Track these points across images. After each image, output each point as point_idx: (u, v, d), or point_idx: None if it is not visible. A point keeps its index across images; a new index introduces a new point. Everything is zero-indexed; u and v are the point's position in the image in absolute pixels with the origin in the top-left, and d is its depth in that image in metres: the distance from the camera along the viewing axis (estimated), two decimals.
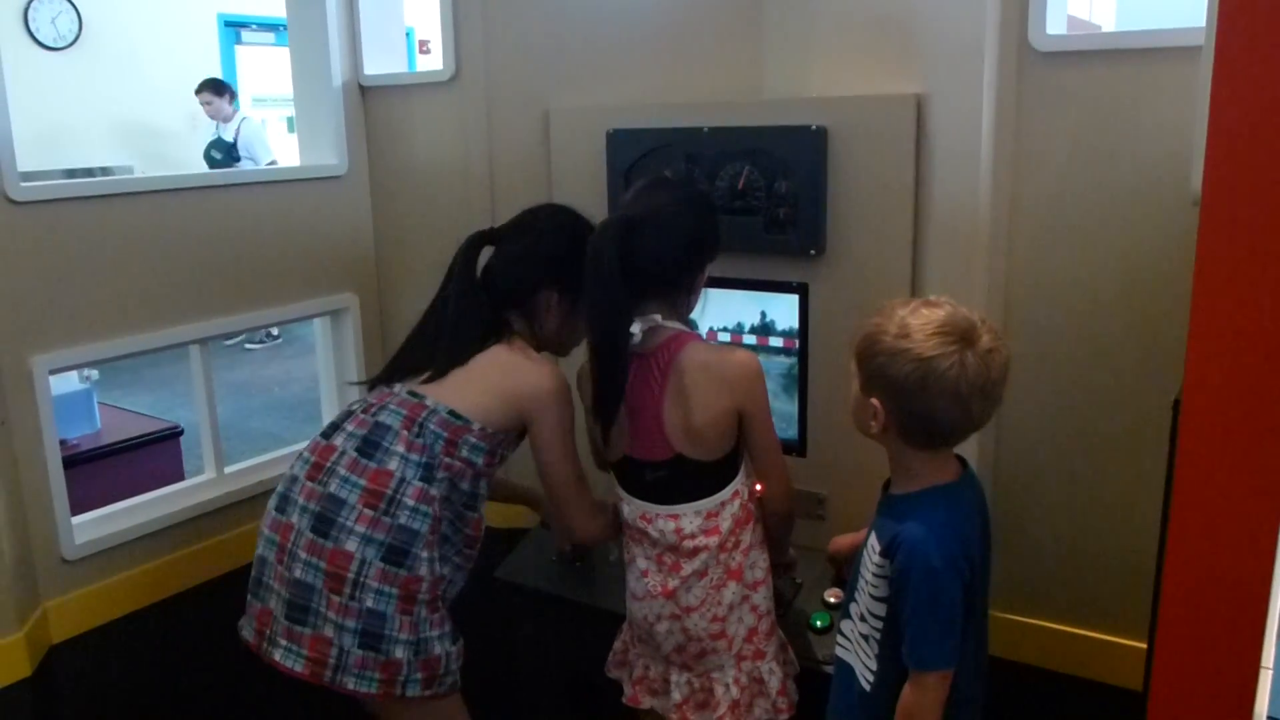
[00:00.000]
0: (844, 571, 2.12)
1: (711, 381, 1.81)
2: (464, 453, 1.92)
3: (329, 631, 1.83)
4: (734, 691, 1.89)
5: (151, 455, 3.66)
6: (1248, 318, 0.96)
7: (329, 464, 1.90)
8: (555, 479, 1.99)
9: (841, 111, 2.08)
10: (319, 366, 2.86)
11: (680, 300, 1.90)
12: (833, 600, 2.10)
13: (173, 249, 2.34)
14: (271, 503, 1.96)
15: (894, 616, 1.63)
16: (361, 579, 1.82)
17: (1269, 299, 0.95)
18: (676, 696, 1.95)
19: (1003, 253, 1.97)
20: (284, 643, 1.86)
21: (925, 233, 2.05)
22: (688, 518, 1.86)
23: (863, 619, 1.71)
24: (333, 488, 1.87)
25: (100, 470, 3.45)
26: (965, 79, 1.92)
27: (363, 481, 1.86)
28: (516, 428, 1.99)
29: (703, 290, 1.95)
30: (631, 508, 1.92)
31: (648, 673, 2.02)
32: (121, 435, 3.66)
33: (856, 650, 1.75)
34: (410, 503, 1.86)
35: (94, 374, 3.72)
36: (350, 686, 1.84)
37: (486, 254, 2.08)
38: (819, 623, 2.05)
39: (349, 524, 1.84)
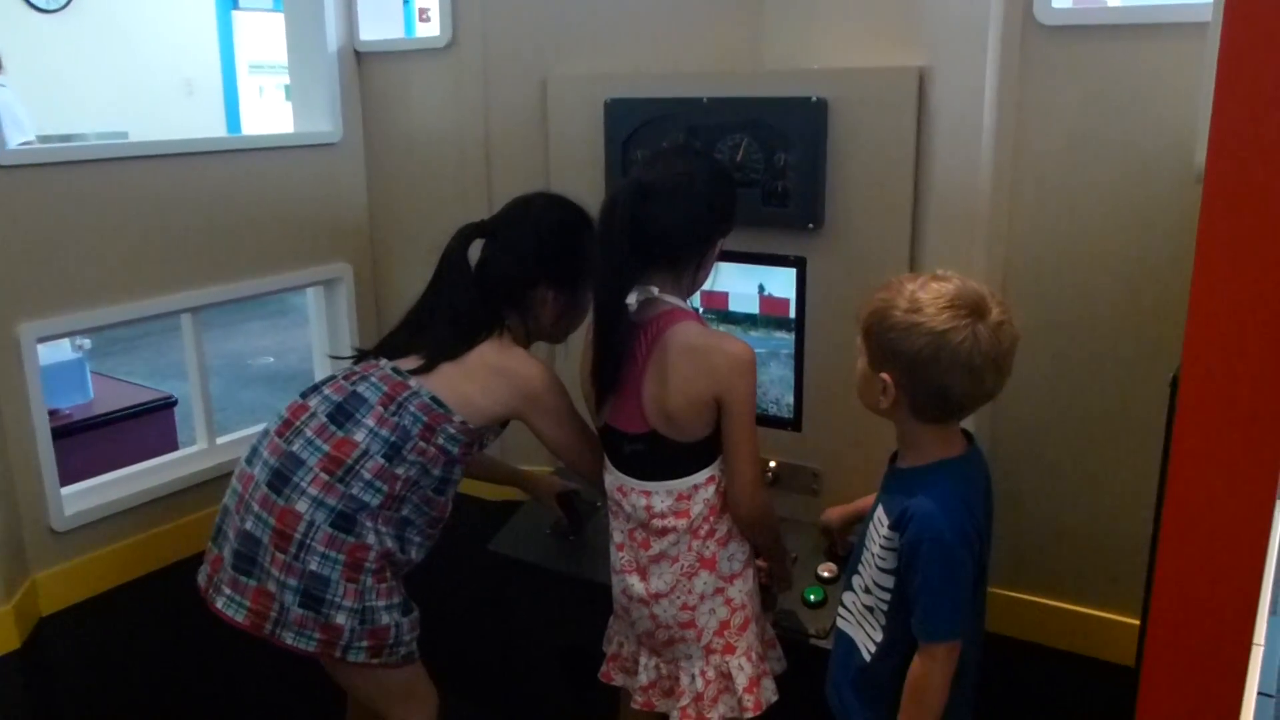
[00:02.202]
0: (836, 544, 2.12)
1: (694, 365, 1.77)
2: (440, 440, 1.93)
3: (271, 586, 1.86)
4: (699, 684, 1.87)
5: (145, 426, 3.65)
6: (1248, 296, 0.95)
7: (298, 423, 1.92)
8: (570, 458, 2.03)
9: (842, 83, 2.06)
10: (312, 337, 2.85)
11: (686, 274, 1.86)
12: (826, 574, 2.10)
13: (164, 216, 2.32)
14: (245, 453, 1.99)
15: (902, 589, 1.64)
16: (308, 541, 1.85)
17: (1270, 278, 0.94)
18: (643, 679, 1.95)
19: (1003, 228, 1.96)
20: (228, 591, 1.90)
21: (925, 207, 2.03)
22: (659, 496, 1.84)
23: (867, 591, 1.72)
24: (295, 447, 1.89)
25: (93, 441, 3.44)
26: (968, 52, 1.90)
27: (326, 447, 1.88)
28: (500, 423, 2.00)
29: (714, 267, 1.91)
30: (611, 478, 1.92)
31: (621, 650, 2.02)
32: (114, 405, 3.64)
33: (859, 622, 1.75)
34: (367, 476, 1.88)
35: (86, 343, 3.70)
36: (289, 642, 1.87)
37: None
38: (812, 597, 2.05)
39: (303, 485, 1.86)
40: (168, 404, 3.74)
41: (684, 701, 1.88)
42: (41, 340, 2.14)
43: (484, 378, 1.94)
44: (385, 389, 1.92)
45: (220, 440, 2.56)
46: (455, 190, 2.55)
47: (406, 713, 2.07)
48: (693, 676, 1.88)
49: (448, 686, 2.26)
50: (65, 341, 3.51)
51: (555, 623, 2.42)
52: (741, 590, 1.88)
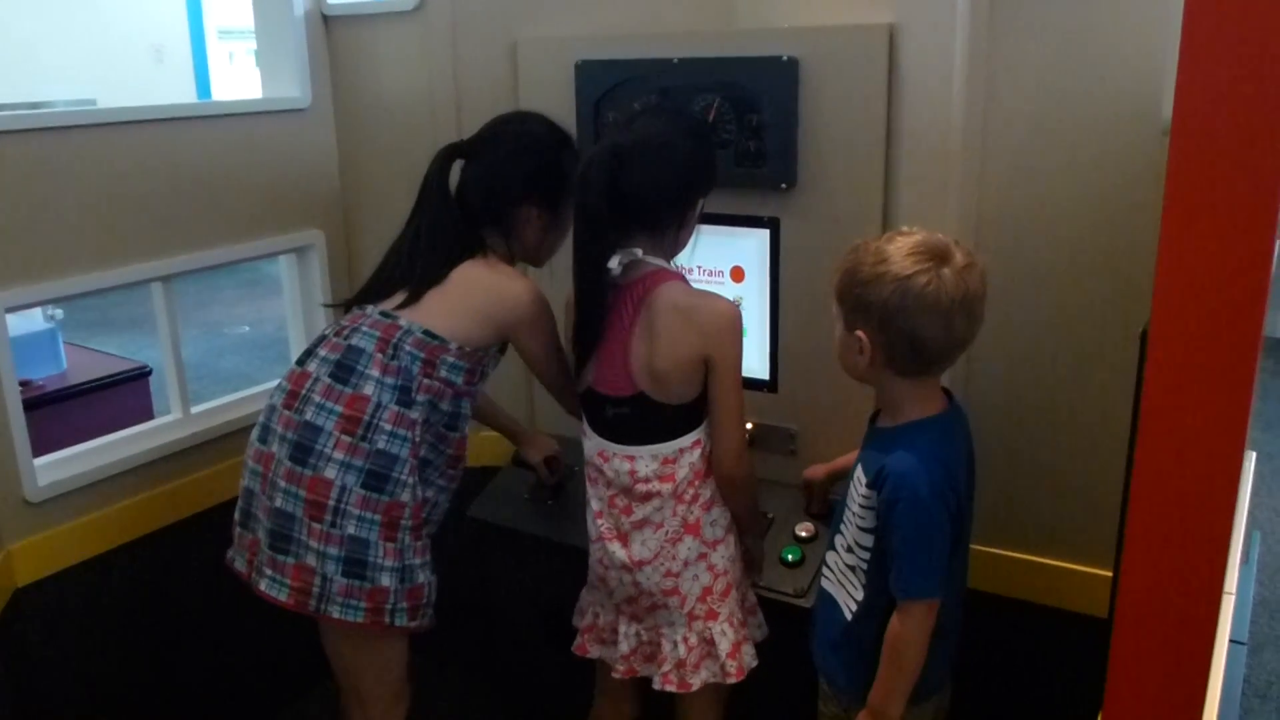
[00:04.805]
0: (815, 501, 2.14)
1: (681, 325, 1.77)
2: (443, 372, 1.91)
3: (311, 560, 1.83)
4: (681, 650, 1.87)
5: (120, 396, 3.63)
6: (1216, 248, 0.96)
7: (304, 391, 1.89)
8: (546, 379, 2.04)
9: (813, 42, 2.05)
10: (286, 304, 2.82)
11: (668, 235, 1.84)
12: (804, 534, 2.11)
13: (133, 183, 2.30)
14: (254, 433, 1.96)
15: (881, 548, 1.65)
16: (342, 506, 1.83)
17: (1237, 230, 0.94)
18: (624, 648, 1.94)
19: (974, 184, 1.96)
20: (269, 572, 1.87)
21: (897, 164, 2.03)
22: (643, 460, 1.83)
23: (849, 550, 1.73)
24: (309, 415, 1.86)
25: (67, 411, 3.42)
26: (938, 8, 1.89)
27: (339, 408, 1.85)
28: (496, 343, 1.99)
29: (696, 227, 1.90)
30: (590, 443, 1.91)
31: (597, 621, 2.01)
32: (88, 375, 3.62)
33: (841, 582, 1.76)
34: (387, 427, 1.86)
35: (58, 313, 3.67)
36: (336, 615, 1.84)
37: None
38: (790, 556, 2.06)
39: (327, 451, 1.83)
40: (142, 374, 3.72)
41: (666, 667, 1.88)
42: (10, 310, 2.12)
43: (473, 297, 1.93)
44: (379, 334, 1.89)
45: (195, 410, 2.54)
46: (427, 155, 2.50)
47: (394, 701, 2.07)
48: (675, 643, 1.88)
49: (428, 652, 2.28)
50: (37, 311, 3.48)
51: (535, 586, 2.43)
52: (724, 556, 1.88)
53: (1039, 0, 1.84)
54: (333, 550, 1.83)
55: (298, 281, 2.76)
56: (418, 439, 1.89)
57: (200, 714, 2.60)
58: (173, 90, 8.63)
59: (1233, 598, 1.61)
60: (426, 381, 1.89)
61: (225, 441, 2.53)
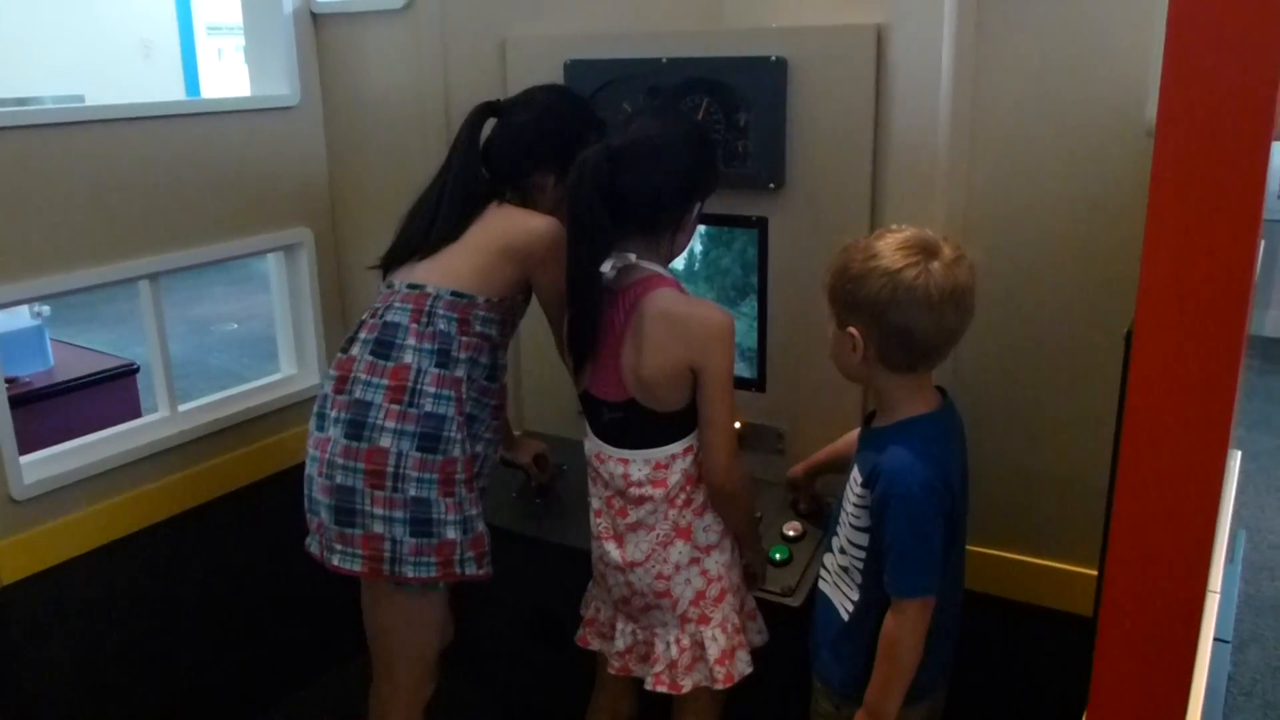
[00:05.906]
0: (802, 500, 2.14)
1: (669, 333, 1.74)
2: (477, 327, 1.96)
3: (379, 528, 1.89)
4: (674, 651, 1.87)
5: (107, 393, 3.61)
6: (1200, 248, 0.96)
7: (351, 374, 1.94)
8: (555, 320, 2.03)
9: (801, 42, 2.05)
10: (274, 302, 2.82)
11: (663, 239, 1.83)
12: (792, 533, 2.11)
13: (121, 181, 2.29)
14: (311, 424, 2.01)
15: (876, 547, 1.65)
16: (401, 470, 1.88)
17: (1222, 231, 0.95)
18: (620, 645, 1.95)
19: (961, 184, 1.96)
20: (339, 547, 1.93)
21: (885, 164, 2.03)
22: (637, 464, 1.83)
23: (843, 551, 1.73)
24: (358, 393, 1.91)
25: (54, 409, 3.40)
26: (925, 8, 1.90)
27: (384, 381, 1.91)
28: (520, 285, 2.01)
29: (696, 231, 1.89)
30: (589, 444, 1.91)
31: (599, 615, 2.02)
32: (75, 373, 3.60)
33: (836, 583, 1.77)
34: (431, 390, 1.91)
35: (45, 310, 3.65)
36: (410, 574, 1.91)
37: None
38: (778, 555, 2.07)
39: (379, 422, 1.89)
40: (129, 371, 3.70)
41: (658, 668, 1.88)
42: None
43: (491, 233, 1.97)
44: (411, 306, 1.94)
45: (183, 407, 2.53)
46: (416, 154, 2.53)
47: (423, 684, 2.13)
48: (668, 644, 1.88)
49: None
50: (24, 308, 3.46)
51: (524, 586, 2.43)
52: (718, 562, 1.87)
53: (1026, 1, 1.84)
54: (398, 514, 1.89)
55: (286, 279, 2.75)
56: (463, 396, 1.94)
57: (190, 712, 2.59)
58: (161, 87, 8.60)
59: (1217, 596, 1.62)
60: (465, 339, 1.94)
61: (213, 439, 2.53)
